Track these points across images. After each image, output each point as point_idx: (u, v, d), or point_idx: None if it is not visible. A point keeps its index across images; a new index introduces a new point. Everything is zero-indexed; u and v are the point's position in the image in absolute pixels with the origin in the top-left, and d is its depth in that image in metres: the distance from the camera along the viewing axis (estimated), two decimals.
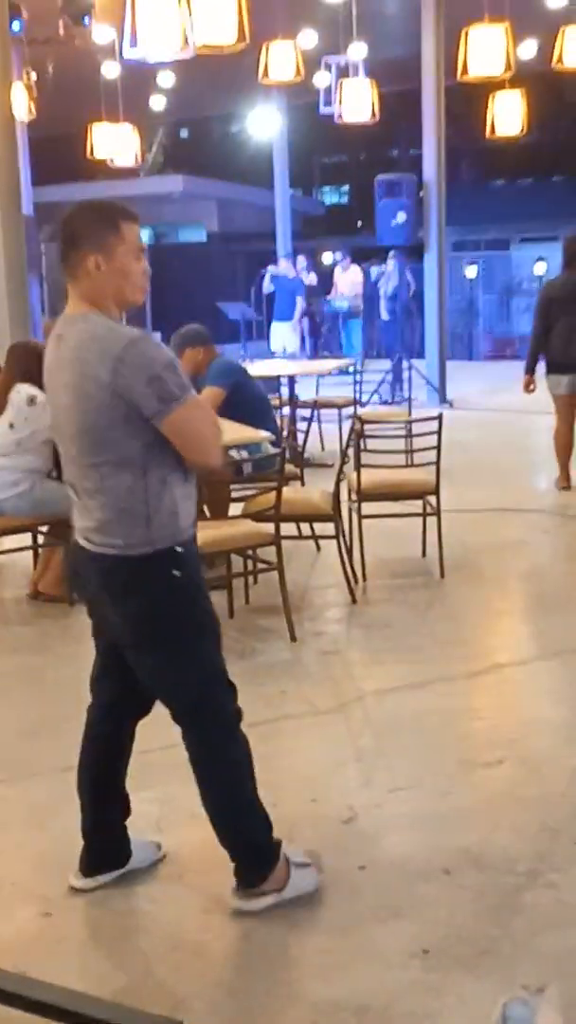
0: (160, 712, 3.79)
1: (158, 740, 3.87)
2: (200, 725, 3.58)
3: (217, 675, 3.58)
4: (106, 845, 3.84)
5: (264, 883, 3.61)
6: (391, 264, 16.98)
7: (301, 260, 21.28)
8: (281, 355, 18.27)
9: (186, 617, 3.51)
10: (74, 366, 3.32)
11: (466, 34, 10.81)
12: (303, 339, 20.60)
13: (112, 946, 3.51)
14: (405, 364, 14.57)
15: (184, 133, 41.72)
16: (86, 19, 10.60)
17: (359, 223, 36.60)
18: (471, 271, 25.49)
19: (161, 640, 3.50)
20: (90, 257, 3.37)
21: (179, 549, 3.46)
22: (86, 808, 3.82)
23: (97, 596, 3.56)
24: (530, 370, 9.69)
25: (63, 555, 6.75)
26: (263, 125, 23.29)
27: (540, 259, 24.19)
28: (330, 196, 47.63)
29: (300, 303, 19.46)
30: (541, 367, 9.67)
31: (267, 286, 19.89)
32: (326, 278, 21.70)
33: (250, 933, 3.52)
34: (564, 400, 9.54)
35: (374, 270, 20.65)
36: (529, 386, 9.77)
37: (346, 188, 47.12)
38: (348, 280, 20.24)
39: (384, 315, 19.30)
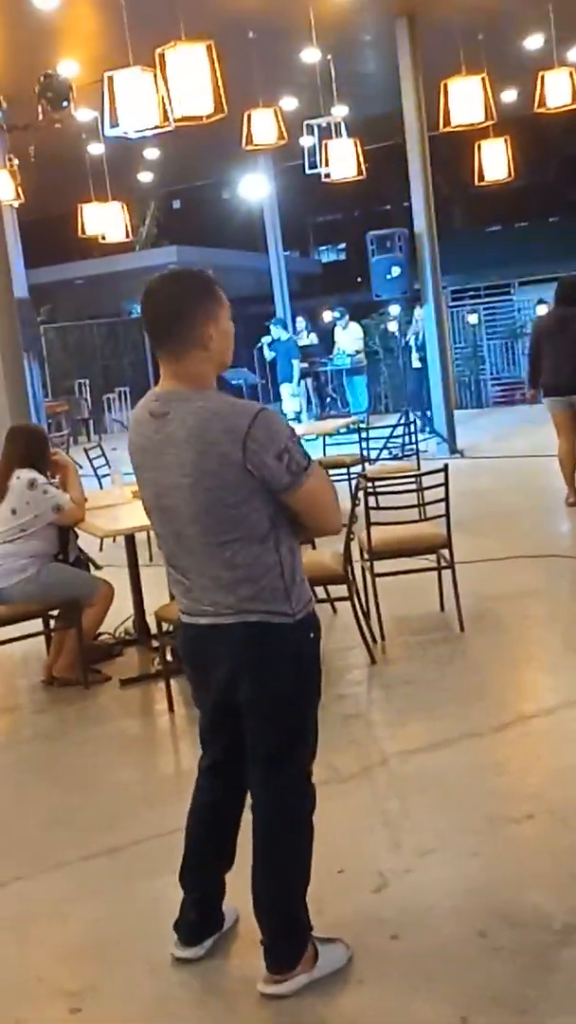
0: (177, 795, 3.74)
1: (182, 819, 3.79)
2: (299, 777, 3.56)
3: (316, 738, 3.62)
4: (212, 911, 3.80)
5: (298, 964, 3.53)
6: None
7: (300, 321, 21.36)
8: (293, 418, 18.33)
9: (315, 677, 3.55)
10: (193, 445, 3.25)
11: (445, 87, 10.94)
12: (308, 399, 20.72)
13: None
14: (412, 416, 14.55)
15: (176, 204, 42.09)
16: (64, 102, 10.68)
17: (358, 279, 36.78)
18: (473, 318, 25.55)
19: (297, 698, 3.50)
20: (206, 330, 3.35)
21: (310, 613, 3.49)
22: (195, 882, 3.77)
23: (229, 669, 3.44)
24: (532, 386, 10.72)
25: (75, 638, 6.71)
26: (253, 190, 23.47)
27: (541, 301, 24.23)
28: (327, 254, 48.01)
29: (296, 365, 19.57)
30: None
31: (268, 354, 20.03)
32: (328, 337, 21.74)
33: (283, 1013, 3.43)
34: (561, 418, 10.34)
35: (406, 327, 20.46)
36: (533, 399, 10.87)
37: (342, 245, 47.47)
38: (349, 337, 20.28)
39: (416, 363, 19.01)
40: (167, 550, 3.50)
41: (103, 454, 11.44)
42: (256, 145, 12.03)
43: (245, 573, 3.34)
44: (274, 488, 3.30)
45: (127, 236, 16.31)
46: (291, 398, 19.65)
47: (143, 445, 3.41)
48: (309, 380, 20.93)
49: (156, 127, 8.52)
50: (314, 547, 7.73)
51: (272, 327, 20.19)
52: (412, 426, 12.60)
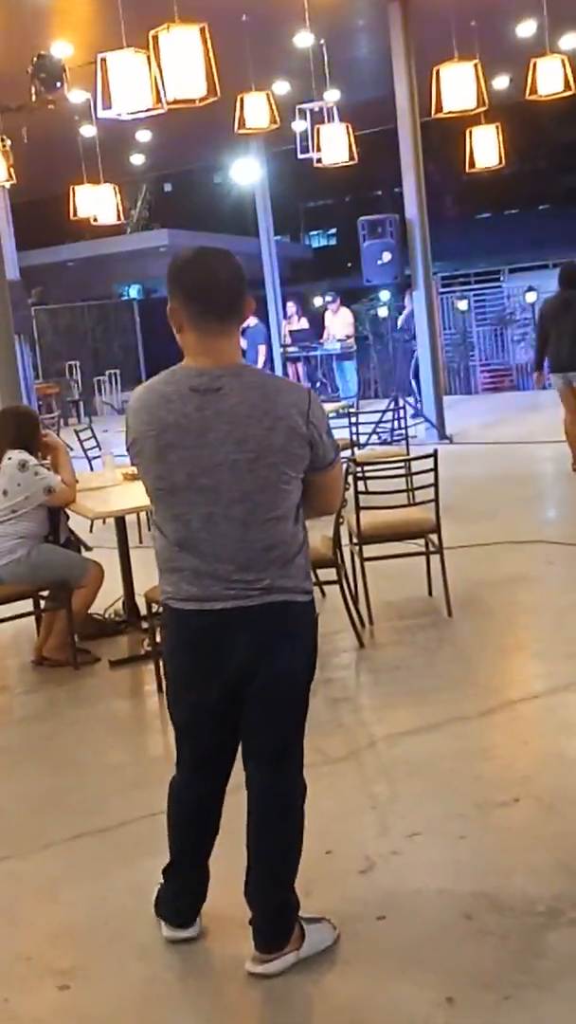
0: (166, 777, 3.76)
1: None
2: (298, 763, 3.60)
3: None
4: (203, 893, 3.79)
5: (287, 944, 3.56)
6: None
7: (291, 306, 21.32)
8: None
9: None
10: (261, 419, 3.23)
11: (437, 73, 10.93)
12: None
13: (133, 1019, 3.45)
14: (401, 402, 14.58)
15: (168, 187, 42.03)
16: (58, 83, 10.65)
17: (349, 264, 36.74)
18: (463, 305, 25.54)
19: (308, 680, 3.55)
20: (249, 300, 3.39)
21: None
22: (187, 874, 3.76)
23: (248, 654, 3.40)
24: (538, 368, 11.46)
25: (65, 619, 6.73)
26: (245, 174, 23.44)
27: (531, 288, 24.25)
28: (318, 239, 47.97)
29: (263, 351, 19.50)
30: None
31: (243, 342, 20.01)
32: (318, 322, 21.71)
33: (273, 994, 3.46)
34: (566, 393, 11.00)
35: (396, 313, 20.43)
36: (540, 381, 11.72)
37: (333, 231, 47.42)
38: (339, 322, 20.26)
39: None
40: (183, 534, 3.35)
41: (94, 436, 11.47)
42: (248, 129, 12.03)
43: (282, 551, 3.35)
44: (319, 464, 3.37)
45: (118, 219, 16.30)
46: None
47: (177, 423, 3.27)
48: (300, 365, 20.91)
49: (149, 109, 8.51)
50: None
51: None
52: (401, 411, 12.62)
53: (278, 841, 3.59)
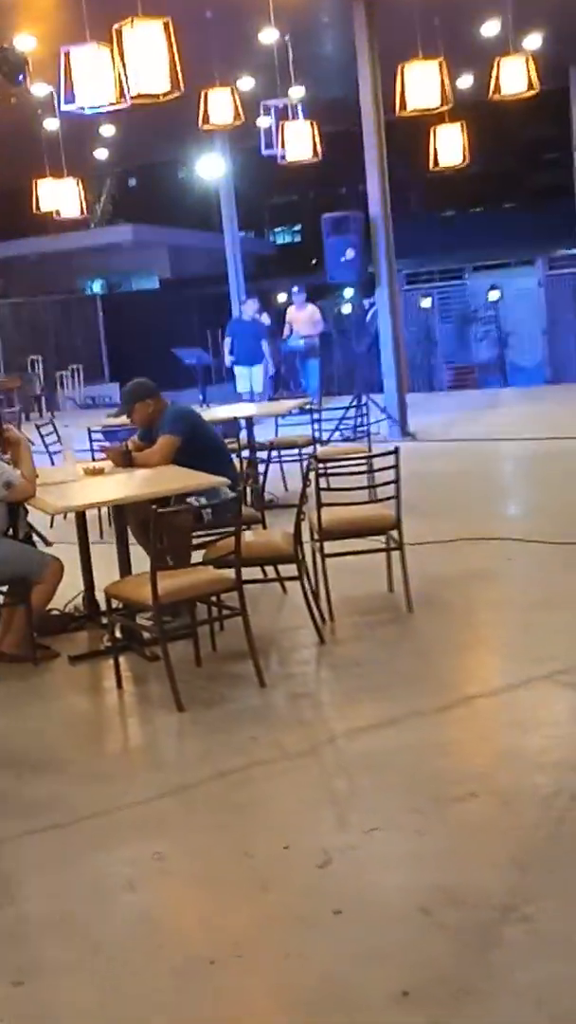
0: (123, 773, 3.76)
1: (128, 796, 3.81)
2: None
3: None
4: None
5: None
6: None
7: (251, 303, 21.26)
8: (248, 397, 18.36)
9: None
10: None
11: (401, 70, 10.96)
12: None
13: (91, 1014, 3.43)
14: (364, 399, 14.59)
15: (132, 182, 41.91)
16: (20, 76, 10.61)
17: (313, 261, 36.72)
18: (426, 302, 25.59)
19: None
20: None
21: None
22: None
23: None
24: None
25: (24, 615, 6.70)
26: (209, 170, 23.41)
27: (493, 287, 24.34)
28: (282, 236, 47.94)
29: (266, 346, 19.40)
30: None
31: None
32: (282, 317, 21.65)
33: (225, 989, 3.46)
34: None
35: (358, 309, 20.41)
36: None
37: (298, 227, 47.41)
38: (305, 318, 20.17)
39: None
40: None
41: (55, 431, 11.43)
42: (212, 125, 12.03)
43: None
44: None
45: (82, 213, 16.28)
46: (260, 376, 19.45)
47: None
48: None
49: (112, 104, 8.49)
50: (264, 526, 7.78)
51: (246, 303, 19.93)
52: (364, 408, 12.64)
53: None
